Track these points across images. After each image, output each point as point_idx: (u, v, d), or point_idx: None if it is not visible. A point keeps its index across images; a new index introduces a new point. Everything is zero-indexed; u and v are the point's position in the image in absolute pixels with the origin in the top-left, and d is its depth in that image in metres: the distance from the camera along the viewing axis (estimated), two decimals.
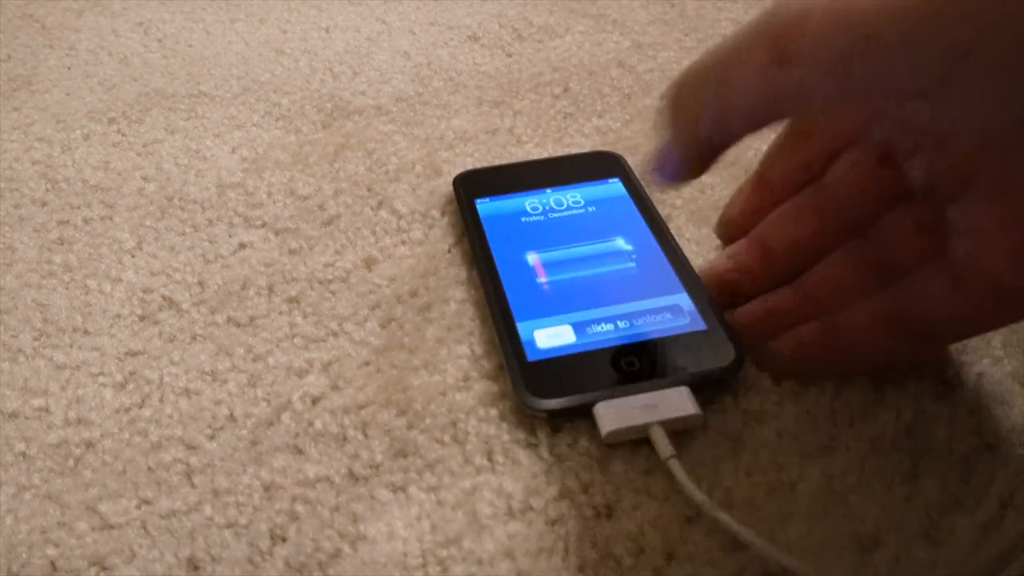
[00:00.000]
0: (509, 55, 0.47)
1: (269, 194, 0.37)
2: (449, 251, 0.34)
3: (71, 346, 0.31)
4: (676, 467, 0.25)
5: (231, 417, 0.28)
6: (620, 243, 0.33)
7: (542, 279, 0.31)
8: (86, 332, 0.31)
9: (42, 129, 0.42)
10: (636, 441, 0.26)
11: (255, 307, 0.32)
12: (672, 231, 0.33)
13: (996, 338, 0.29)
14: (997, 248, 0.23)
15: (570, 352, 0.28)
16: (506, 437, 0.27)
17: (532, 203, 0.35)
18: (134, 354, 0.30)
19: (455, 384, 0.29)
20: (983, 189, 0.23)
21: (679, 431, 0.26)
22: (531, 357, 0.28)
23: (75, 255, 0.35)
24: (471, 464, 0.26)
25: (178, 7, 0.53)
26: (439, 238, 0.35)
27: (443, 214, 0.36)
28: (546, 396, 0.27)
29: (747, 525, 0.24)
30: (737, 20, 0.49)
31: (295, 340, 0.31)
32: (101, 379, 0.29)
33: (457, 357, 0.29)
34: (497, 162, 0.39)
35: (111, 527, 0.25)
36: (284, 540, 0.25)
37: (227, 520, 0.25)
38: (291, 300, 0.32)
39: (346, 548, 0.24)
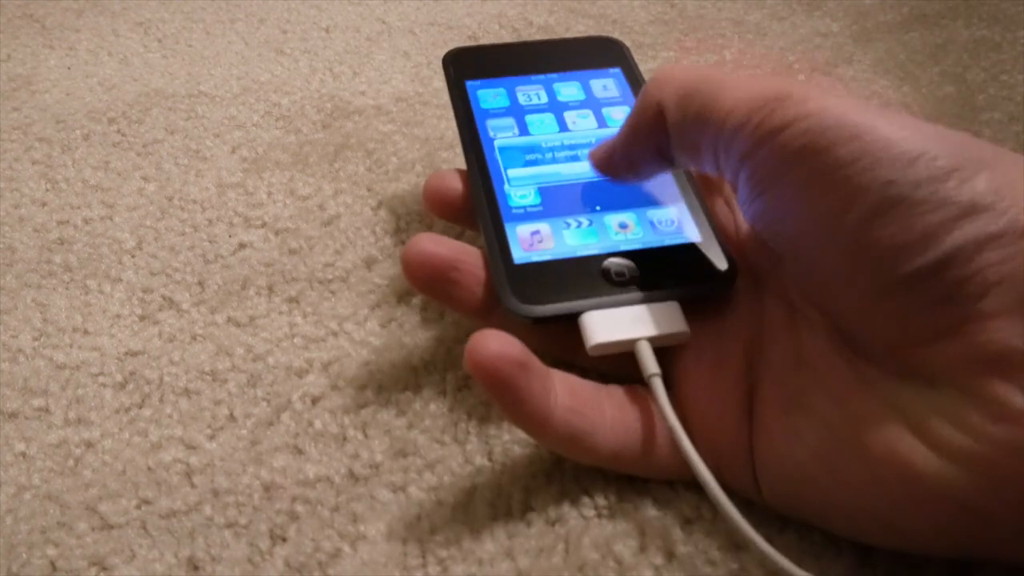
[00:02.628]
0: None
1: (269, 194, 0.37)
2: None
3: (71, 346, 0.31)
4: (658, 386, 0.23)
5: (231, 417, 0.28)
6: None
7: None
8: (86, 332, 0.31)
9: (42, 129, 0.42)
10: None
11: (255, 307, 0.32)
12: None
13: None
14: None
15: (558, 257, 0.27)
16: (506, 437, 0.27)
17: (527, 91, 0.33)
18: (134, 354, 0.30)
19: (455, 384, 0.29)
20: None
21: (663, 348, 0.25)
22: (517, 260, 0.26)
23: (75, 255, 0.35)
24: (471, 464, 0.26)
25: (178, 7, 0.53)
26: None
27: None
28: (532, 302, 0.25)
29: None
30: (737, 20, 0.49)
31: (295, 340, 0.31)
32: (101, 379, 0.29)
33: (457, 356, 0.30)
34: None
35: (111, 527, 0.25)
36: (284, 540, 0.25)
37: (227, 520, 0.25)
38: (291, 300, 0.32)
39: (346, 548, 0.24)
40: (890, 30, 0.47)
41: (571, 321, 0.25)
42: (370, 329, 0.31)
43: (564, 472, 0.26)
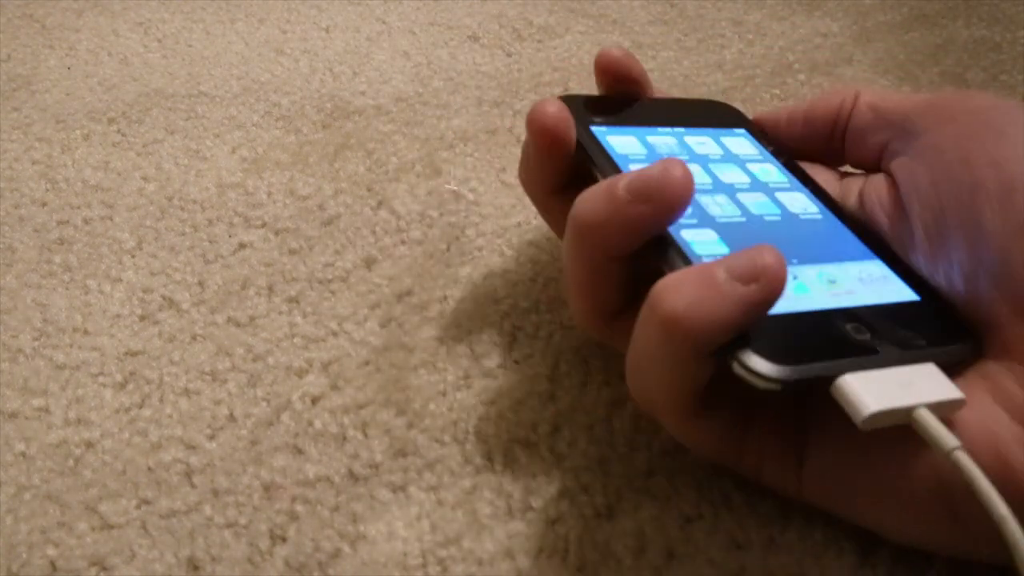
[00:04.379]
0: (509, 55, 0.47)
1: (269, 194, 0.37)
2: (448, 250, 0.34)
3: (71, 346, 0.31)
4: (965, 460, 0.19)
5: (231, 417, 0.28)
6: (784, 196, 0.27)
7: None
8: (86, 332, 0.31)
9: (42, 129, 0.42)
10: (648, 431, 0.26)
11: (255, 307, 0.32)
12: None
13: None
14: None
15: (793, 311, 0.22)
16: (506, 437, 0.27)
17: (660, 141, 0.28)
18: (134, 354, 0.30)
19: (455, 383, 0.29)
20: None
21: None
22: None
23: (75, 255, 0.35)
24: (471, 464, 0.26)
25: (178, 7, 0.53)
26: (438, 238, 0.35)
27: (442, 214, 0.36)
28: (781, 361, 0.20)
29: (746, 525, 0.24)
30: (737, 20, 0.49)
31: (295, 340, 0.31)
32: (101, 379, 0.29)
33: (457, 356, 0.30)
34: (497, 162, 0.39)
35: (111, 527, 0.25)
36: (284, 540, 0.25)
37: (227, 520, 0.25)
38: (291, 300, 0.32)
39: (346, 548, 0.24)
40: (890, 30, 0.47)
41: (822, 385, 0.21)
42: (370, 329, 0.31)
43: (564, 472, 0.26)
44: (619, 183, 0.22)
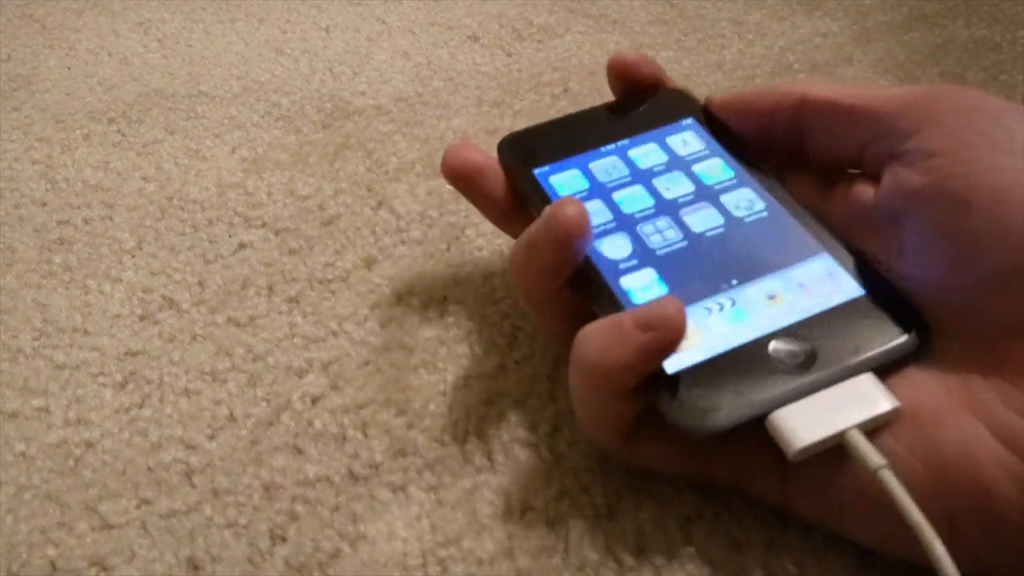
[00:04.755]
0: (509, 55, 0.47)
1: (269, 194, 0.37)
2: (448, 250, 0.34)
3: (71, 346, 0.31)
4: (890, 478, 0.19)
5: (231, 417, 0.28)
6: (730, 198, 0.27)
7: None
8: (86, 332, 0.31)
9: (42, 129, 0.42)
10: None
11: (255, 307, 0.32)
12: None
13: None
14: None
15: (714, 353, 0.22)
16: (506, 437, 0.27)
17: (602, 165, 0.29)
18: (134, 354, 0.30)
19: (455, 384, 0.29)
20: None
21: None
22: (670, 370, 0.22)
23: (75, 255, 0.35)
24: (471, 464, 0.26)
25: (178, 7, 0.53)
26: (438, 238, 0.35)
27: (442, 214, 0.36)
28: (703, 415, 0.21)
29: (746, 527, 0.24)
30: (737, 20, 0.49)
31: (295, 340, 0.31)
32: (101, 379, 0.29)
33: (457, 356, 0.30)
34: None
35: (111, 527, 0.25)
36: (284, 540, 0.25)
37: (227, 520, 0.25)
38: (291, 300, 0.32)
39: (346, 548, 0.24)
40: (890, 30, 0.47)
41: (754, 425, 0.21)
42: (370, 329, 0.31)
43: (564, 472, 0.26)
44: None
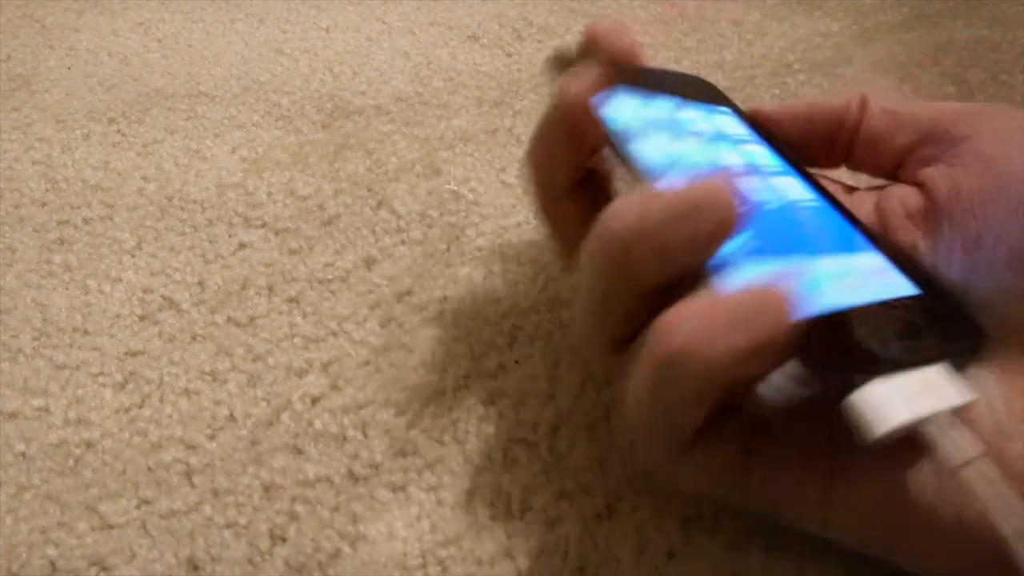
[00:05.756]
0: (509, 55, 0.47)
1: (269, 194, 0.37)
2: (448, 250, 0.34)
3: (71, 346, 0.31)
4: (986, 472, 0.18)
5: (231, 417, 0.28)
6: (779, 182, 0.25)
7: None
8: (86, 332, 0.31)
9: (42, 129, 0.42)
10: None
11: (255, 307, 0.32)
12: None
13: None
14: None
15: (806, 315, 0.20)
16: (506, 437, 0.27)
17: (657, 113, 0.26)
18: (134, 354, 0.30)
19: (455, 383, 0.29)
20: None
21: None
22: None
23: (75, 255, 0.35)
24: (471, 464, 0.26)
25: (178, 7, 0.53)
26: (438, 237, 0.35)
27: (442, 214, 0.36)
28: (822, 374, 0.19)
29: (746, 527, 0.24)
30: (737, 20, 0.49)
31: (295, 340, 0.31)
32: (101, 379, 0.29)
33: (457, 356, 0.29)
34: (497, 162, 0.39)
35: (111, 527, 0.25)
36: (284, 540, 0.25)
37: (227, 520, 0.25)
38: (291, 300, 0.32)
39: (346, 548, 0.24)
40: (890, 30, 0.47)
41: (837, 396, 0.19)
42: (370, 329, 0.31)
43: (564, 472, 0.26)
44: (658, 200, 0.20)
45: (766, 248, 0.22)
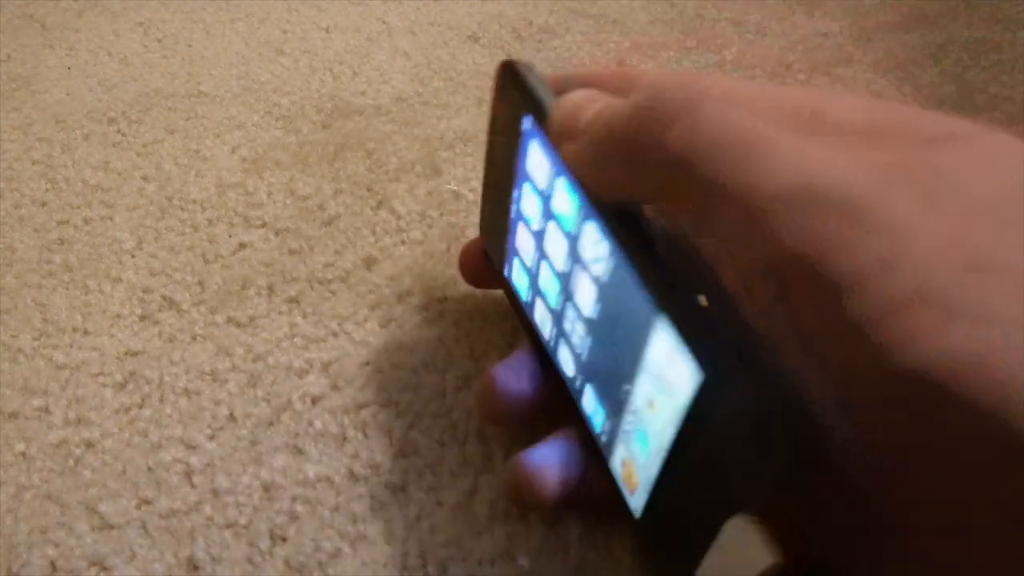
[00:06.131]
0: (509, 55, 0.47)
1: (269, 194, 0.37)
2: (448, 250, 0.34)
3: (71, 346, 0.31)
4: None
5: (231, 417, 0.28)
6: (584, 243, 0.20)
7: None
8: (86, 332, 0.31)
9: (42, 129, 0.42)
10: None
11: (255, 307, 0.32)
12: None
13: None
14: None
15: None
16: (506, 437, 0.27)
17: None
18: (134, 354, 0.30)
19: (455, 384, 0.29)
20: None
21: None
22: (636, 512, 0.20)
23: (75, 255, 0.35)
24: (471, 464, 0.26)
25: (178, 7, 0.53)
26: (438, 238, 0.35)
27: (442, 214, 0.36)
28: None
29: None
30: (737, 20, 0.49)
31: (295, 340, 0.31)
32: (101, 379, 0.29)
33: (457, 356, 0.30)
34: None
35: (111, 527, 0.25)
36: (284, 540, 0.25)
37: (227, 520, 0.25)
38: (291, 300, 0.32)
39: (346, 548, 0.24)
40: (890, 30, 0.47)
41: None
42: (370, 329, 0.31)
43: None
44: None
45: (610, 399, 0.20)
